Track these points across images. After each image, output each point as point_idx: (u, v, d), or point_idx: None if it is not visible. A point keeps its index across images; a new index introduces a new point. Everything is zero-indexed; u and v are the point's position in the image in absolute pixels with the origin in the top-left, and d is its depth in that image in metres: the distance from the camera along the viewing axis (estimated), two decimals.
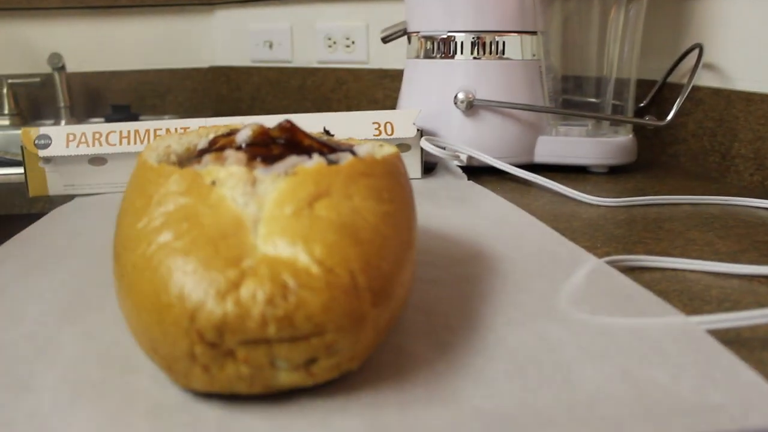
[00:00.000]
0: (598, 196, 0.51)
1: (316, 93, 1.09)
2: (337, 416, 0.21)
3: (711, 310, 0.31)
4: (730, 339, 0.28)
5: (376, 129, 0.58)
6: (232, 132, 0.33)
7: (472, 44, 0.62)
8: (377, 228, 0.25)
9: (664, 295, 0.33)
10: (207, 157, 0.27)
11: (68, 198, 0.54)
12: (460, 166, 0.61)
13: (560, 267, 0.35)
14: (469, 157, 0.60)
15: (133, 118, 1.08)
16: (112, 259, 0.25)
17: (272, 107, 1.13)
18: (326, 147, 0.31)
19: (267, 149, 0.29)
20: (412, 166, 0.60)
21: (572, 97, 0.69)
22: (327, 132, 0.38)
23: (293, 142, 0.30)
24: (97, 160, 0.54)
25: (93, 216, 0.47)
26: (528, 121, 0.62)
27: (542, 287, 0.32)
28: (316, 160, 0.27)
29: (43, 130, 0.52)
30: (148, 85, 1.19)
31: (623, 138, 0.63)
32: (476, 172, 0.62)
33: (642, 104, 0.71)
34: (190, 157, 0.31)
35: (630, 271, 0.36)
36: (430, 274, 0.35)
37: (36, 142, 0.52)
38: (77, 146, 0.52)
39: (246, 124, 0.31)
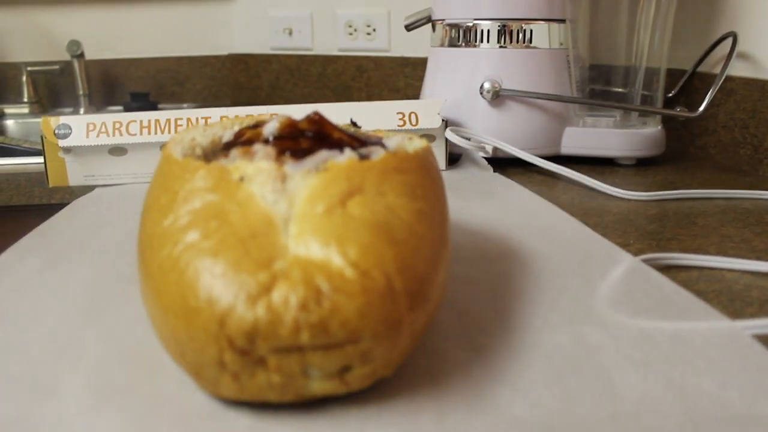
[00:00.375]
0: (628, 190, 0.50)
1: (336, 81, 1.08)
2: (371, 426, 0.21)
3: (753, 312, 0.30)
4: None
5: (400, 119, 0.56)
6: (259, 124, 0.32)
7: (498, 32, 0.60)
8: (412, 227, 0.24)
9: (703, 295, 0.32)
10: (234, 152, 0.26)
11: (88, 189, 0.54)
12: (485, 158, 0.60)
13: (595, 265, 0.34)
14: (495, 149, 0.59)
15: (152, 106, 1.08)
16: (137, 257, 0.25)
17: (292, 95, 1.13)
18: (356, 140, 0.30)
19: (295, 142, 0.28)
20: (437, 157, 0.58)
21: (600, 86, 0.67)
22: (354, 124, 0.37)
23: (322, 135, 0.29)
24: (118, 150, 0.53)
25: (114, 208, 0.46)
26: (554, 112, 0.61)
27: (578, 287, 0.31)
28: (348, 154, 0.26)
29: (63, 119, 0.52)
30: (167, 72, 1.18)
31: (652, 129, 0.61)
32: (501, 163, 0.61)
33: (671, 94, 0.69)
34: (216, 150, 0.30)
35: (666, 269, 0.35)
36: (460, 271, 0.34)
37: (56, 131, 0.51)
38: (97, 136, 0.52)
39: (273, 116, 0.31)
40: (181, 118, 0.53)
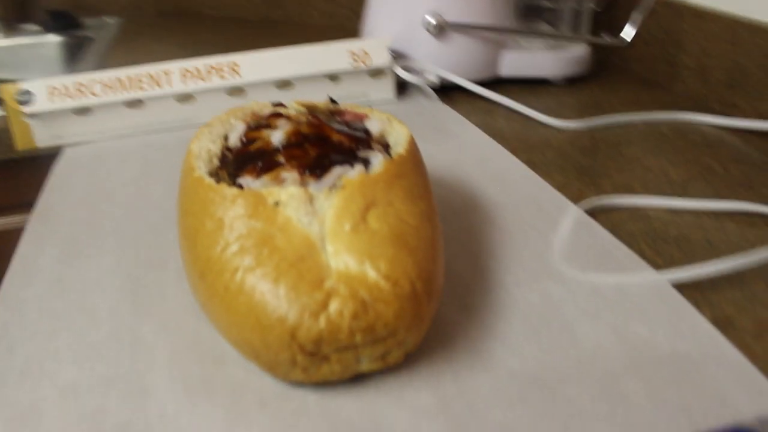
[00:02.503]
0: (561, 117, 0.57)
1: None
2: (408, 391, 0.28)
3: (671, 250, 0.38)
4: (687, 283, 0.35)
5: (353, 59, 0.59)
6: (260, 124, 0.35)
7: None
8: (419, 230, 0.30)
9: (633, 237, 0.40)
10: (265, 178, 0.30)
11: (56, 149, 0.55)
12: (431, 87, 0.64)
13: (547, 218, 0.41)
14: (439, 77, 0.63)
15: (76, 24, 1.02)
16: (196, 277, 0.29)
17: (215, 4, 1.09)
18: (351, 138, 0.34)
19: (303, 150, 0.32)
20: (386, 90, 0.62)
21: (532, 1, 0.71)
22: (333, 101, 0.41)
23: (322, 137, 0.34)
24: (82, 110, 0.54)
25: (96, 174, 0.48)
26: (492, 38, 0.65)
27: (536, 241, 0.38)
28: (357, 169, 0.31)
29: (24, 85, 0.52)
30: None
31: (580, 50, 0.67)
32: (446, 90, 0.65)
33: (600, 9, 0.74)
34: (225, 158, 0.33)
35: (601, 212, 0.43)
36: None
37: (18, 98, 0.52)
38: (62, 100, 0.52)
39: (272, 109, 0.34)
40: (142, 74, 0.54)
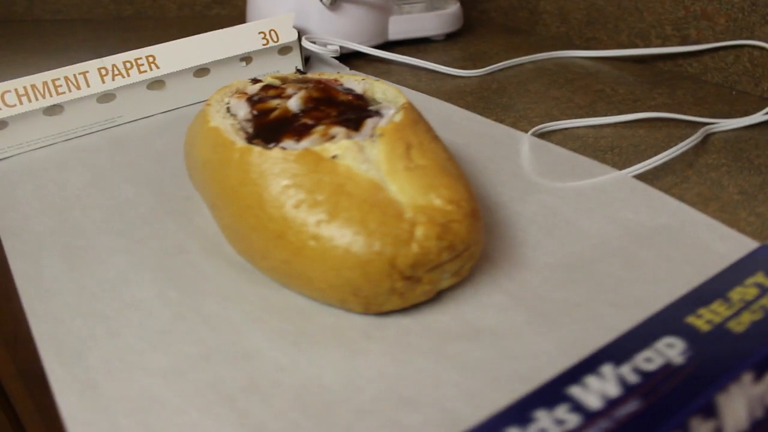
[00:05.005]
0: (461, 68, 0.63)
1: None
2: (482, 297, 0.32)
3: (613, 157, 0.46)
4: (640, 175, 0.43)
5: (263, 38, 0.61)
6: (262, 97, 0.37)
7: None
8: (449, 160, 0.34)
9: (577, 152, 0.47)
10: (315, 136, 0.32)
11: None
12: (334, 57, 0.67)
13: (506, 146, 0.47)
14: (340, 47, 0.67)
15: None
16: (269, 240, 0.30)
17: (58, 6, 1.00)
18: (355, 97, 0.37)
19: (321, 111, 0.35)
20: (294, 65, 0.64)
21: None
22: (299, 71, 0.43)
23: (330, 99, 0.36)
24: None
25: (44, 188, 0.45)
26: (380, 6, 0.70)
27: (509, 166, 0.44)
28: (386, 118, 0.34)
29: None
30: None
31: (455, 7, 0.74)
32: (342, 59, 0.69)
33: None
34: (247, 129, 0.35)
35: (541, 138, 0.50)
36: None
37: None
38: None
39: (289, 92, 0.36)
40: (58, 78, 0.51)
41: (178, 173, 0.46)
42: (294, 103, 0.35)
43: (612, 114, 0.53)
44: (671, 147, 0.47)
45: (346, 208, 0.29)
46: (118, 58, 0.53)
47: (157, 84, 0.56)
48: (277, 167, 0.31)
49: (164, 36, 0.81)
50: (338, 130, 0.32)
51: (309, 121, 0.34)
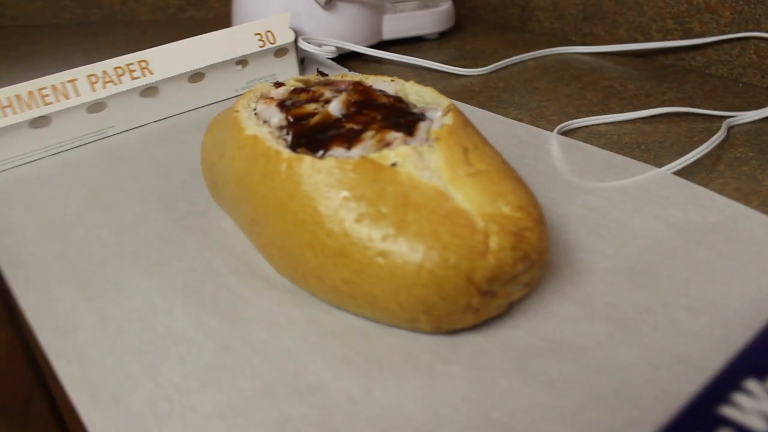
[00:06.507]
0: (463, 66, 0.61)
1: None
2: (551, 306, 0.30)
3: (640, 153, 0.45)
4: (678, 172, 0.42)
5: (260, 40, 0.57)
6: (295, 101, 0.34)
7: None
8: (505, 162, 0.32)
9: (606, 150, 0.46)
10: (369, 142, 0.30)
11: None
12: (330, 58, 0.64)
13: (536, 146, 0.45)
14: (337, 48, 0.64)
15: None
16: (330, 257, 0.28)
17: (21, 11, 0.94)
18: (394, 99, 0.35)
19: (364, 115, 0.32)
20: (290, 67, 0.61)
21: None
22: (321, 73, 0.40)
23: (370, 102, 0.34)
24: None
25: (39, 208, 0.41)
26: (374, 4, 0.67)
27: (542, 168, 0.42)
28: (437, 123, 0.32)
29: None
30: None
31: (447, 5, 0.72)
32: (338, 61, 0.66)
33: None
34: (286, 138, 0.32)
35: (566, 133, 0.48)
36: None
37: None
38: None
39: (326, 95, 0.33)
40: (45, 87, 0.47)
41: (188, 186, 0.43)
42: (335, 107, 0.32)
43: (627, 110, 0.52)
44: (695, 141, 0.46)
45: (415, 220, 0.27)
46: (109, 64, 0.49)
47: (150, 91, 0.52)
48: (333, 178, 0.28)
49: (138, 41, 0.76)
50: (395, 136, 0.30)
51: (355, 126, 0.31)
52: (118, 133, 0.51)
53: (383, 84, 0.38)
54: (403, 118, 0.32)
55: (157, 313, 0.31)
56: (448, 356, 0.28)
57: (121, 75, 0.50)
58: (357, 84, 0.35)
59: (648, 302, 0.30)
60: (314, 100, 0.34)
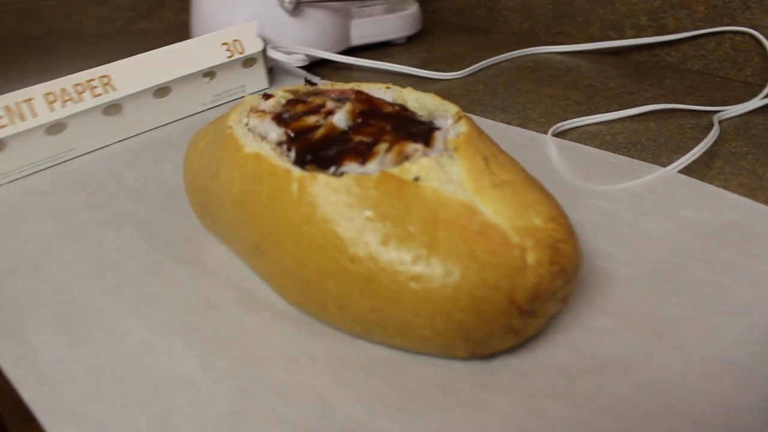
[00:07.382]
0: (438, 70, 0.60)
1: None
2: (586, 321, 0.28)
3: (636, 152, 0.44)
4: (682, 170, 0.41)
5: (227, 50, 0.54)
6: (293, 114, 0.31)
7: None
8: (524, 170, 0.30)
9: (604, 149, 0.45)
10: (387, 155, 0.27)
11: None
12: (300, 67, 0.62)
13: (534, 151, 0.44)
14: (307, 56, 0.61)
15: None
16: (355, 285, 0.25)
17: None
18: (398, 107, 0.32)
19: (372, 126, 0.30)
20: (259, 78, 0.58)
21: None
22: (308, 82, 0.38)
23: (374, 111, 0.31)
24: None
25: (2, 243, 0.37)
26: (341, 10, 0.65)
27: (542, 172, 0.41)
28: (452, 131, 0.30)
29: None
30: None
31: (413, 9, 0.71)
32: (310, 67, 0.64)
33: None
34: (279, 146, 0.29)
35: (559, 135, 0.47)
36: None
37: None
38: None
39: (330, 106, 0.31)
40: (26, 98, 0.43)
41: (167, 210, 0.39)
42: (341, 119, 0.30)
43: (613, 108, 0.51)
44: (688, 138, 0.45)
45: (447, 239, 0.25)
46: (68, 81, 0.45)
47: (113, 108, 0.48)
48: (353, 197, 0.26)
49: (87, 57, 0.72)
50: (415, 148, 0.28)
51: (366, 139, 0.29)
52: (80, 156, 0.47)
53: (379, 91, 0.35)
54: (414, 128, 0.30)
55: (156, 356, 0.28)
56: (488, 383, 0.26)
57: (82, 92, 0.46)
58: (360, 93, 0.32)
59: (681, 309, 0.29)
60: (313, 111, 0.31)
